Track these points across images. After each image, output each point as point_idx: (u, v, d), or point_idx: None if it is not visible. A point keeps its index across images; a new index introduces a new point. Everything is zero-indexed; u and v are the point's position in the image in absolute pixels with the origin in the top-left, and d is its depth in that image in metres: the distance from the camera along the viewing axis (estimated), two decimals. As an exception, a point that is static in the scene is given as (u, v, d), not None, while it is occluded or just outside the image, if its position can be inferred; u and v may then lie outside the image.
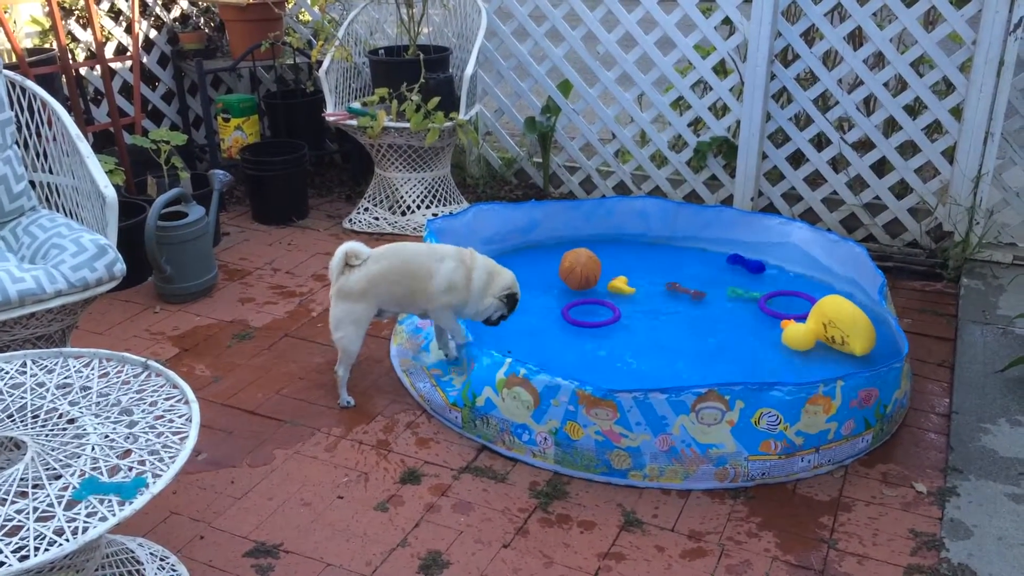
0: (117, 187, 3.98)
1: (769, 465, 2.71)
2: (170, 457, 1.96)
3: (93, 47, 4.58)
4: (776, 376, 3.15)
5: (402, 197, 4.57)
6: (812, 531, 2.52)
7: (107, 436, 2.03)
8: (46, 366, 2.29)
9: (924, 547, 2.45)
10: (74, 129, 2.87)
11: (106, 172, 3.84)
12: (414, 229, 4.52)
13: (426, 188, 4.58)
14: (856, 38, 4.30)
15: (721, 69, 4.52)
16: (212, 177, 4.09)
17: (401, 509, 2.60)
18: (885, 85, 4.17)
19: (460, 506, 2.62)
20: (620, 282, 3.77)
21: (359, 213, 4.66)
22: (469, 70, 4.45)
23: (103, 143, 4.60)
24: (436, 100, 4.27)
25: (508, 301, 3.09)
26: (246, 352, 3.45)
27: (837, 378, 2.71)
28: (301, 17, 5.34)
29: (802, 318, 3.37)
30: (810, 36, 4.31)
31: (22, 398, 2.16)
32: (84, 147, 2.84)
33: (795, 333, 3.34)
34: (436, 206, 4.61)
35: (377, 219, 4.61)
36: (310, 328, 3.60)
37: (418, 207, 4.57)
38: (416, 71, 4.35)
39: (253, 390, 3.19)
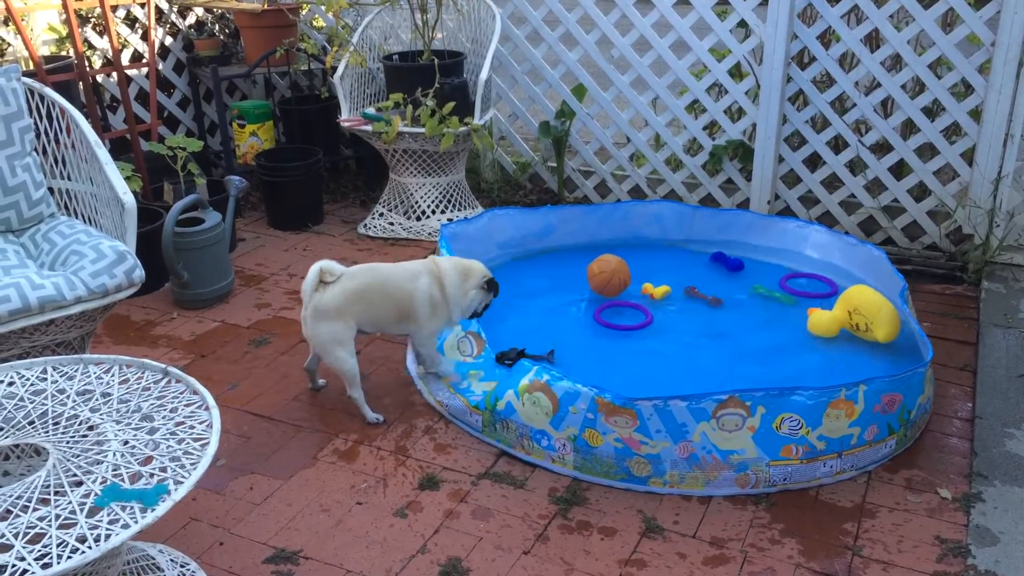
0: (134, 193, 3.99)
1: (791, 470, 2.68)
2: (191, 464, 1.95)
3: (109, 54, 4.60)
4: (811, 376, 3.17)
5: (417, 202, 4.57)
6: (836, 538, 2.50)
7: (128, 443, 2.02)
8: (66, 372, 2.29)
9: (950, 554, 2.42)
10: (92, 136, 2.88)
11: (123, 179, 3.89)
12: (429, 234, 4.52)
13: (441, 193, 4.57)
14: (873, 40, 4.27)
15: (737, 72, 4.50)
16: (228, 183, 4.10)
17: (420, 515, 2.59)
18: (903, 87, 4.14)
19: (479, 512, 2.60)
20: (651, 287, 3.77)
21: (374, 218, 4.66)
22: (483, 75, 4.45)
23: (119, 150, 4.62)
24: (451, 105, 4.26)
25: (489, 287, 3.12)
26: (263, 358, 3.45)
27: (860, 382, 2.68)
28: (315, 23, 5.35)
29: (820, 297, 3.55)
30: (827, 38, 4.28)
31: (43, 404, 2.16)
32: (103, 154, 2.85)
33: (820, 320, 3.40)
34: (451, 211, 4.60)
35: (392, 224, 4.61)
36: (327, 334, 3.60)
37: (433, 212, 4.57)
38: (430, 76, 4.35)
39: (270, 396, 3.19)
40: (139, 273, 2.70)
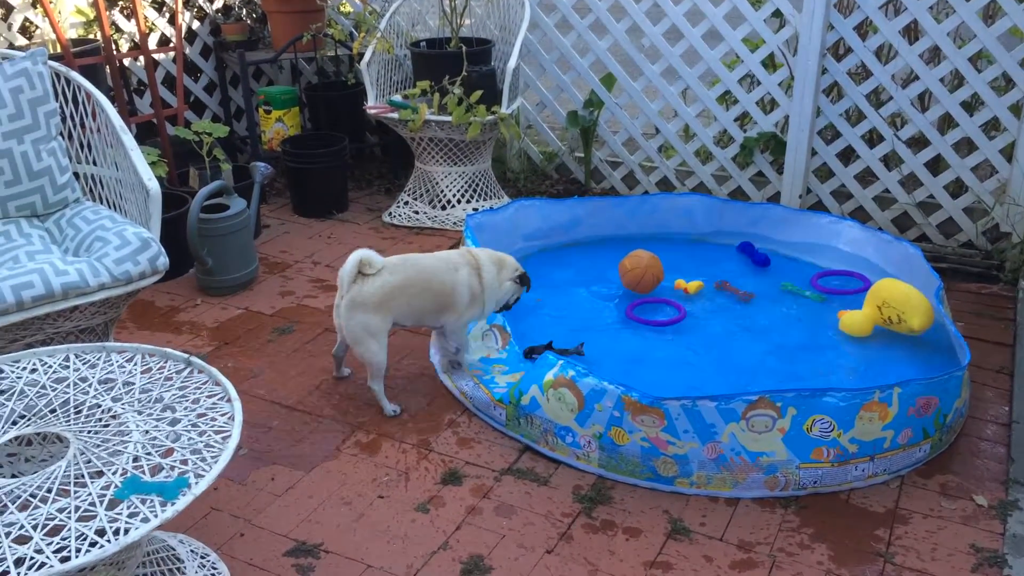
0: (160, 179, 3.99)
1: (821, 473, 2.62)
2: (212, 457, 1.92)
3: (137, 38, 4.59)
4: (845, 374, 3.12)
5: (442, 191, 4.52)
6: (867, 544, 2.44)
7: (149, 433, 2.00)
8: (89, 360, 2.27)
9: (986, 563, 2.36)
10: (118, 121, 2.86)
11: (149, 164, 3.87)
12: (454, 223, 4.47)
13: (466, 182, 4.53)
14: (912, 32, 4.17)
15: (770, 63, 4.41)
16: (253, 169, 4.07)
17: (442, 511, 2.55)
18: (941, 80, 4.03)
19: (502, 509, 2.56)
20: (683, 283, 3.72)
21: (399, 207, 4.62)
22: (512, 63, 4.39)
23: (146, 134, 4.60)
24: (478, 94, 4.21)
25: (521, 281, 3.10)
26: (286, 346, 3.42)
27: (894, 385, 2.61)
28: (343, 9, 5.31)
29: (851, 294, 3.51)
30: (864, 29, 4.19)
31: (65, 392, 2.14)
32: (128, 139, 2.82)
33: (852, 320, 3.35)
34: (476, 200, 4.55)
35: (417, 213, 4.57)
36: (350, 323, 3.57)
37: (458, 201, 4.52)
38: (458, 64, 4.29)
39: (293, 385, 3.16)
40: (163, 260, 2.68)
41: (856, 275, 3.79)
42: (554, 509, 2.56)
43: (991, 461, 2.77)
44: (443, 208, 4.53)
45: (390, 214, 4.61)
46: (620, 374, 2.91)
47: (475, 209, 4.50)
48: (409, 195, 4.63)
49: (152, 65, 4.28)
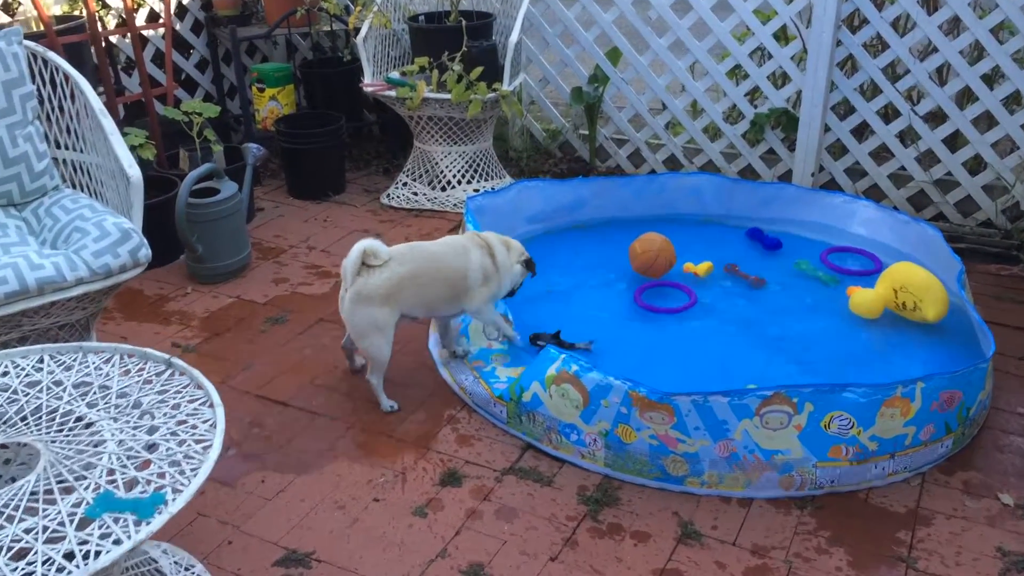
0: (148, 162, 3.84)
1: (839, 472, 2.49)
2: (192, 470, 1.79)
3: (124, 14, 4.41)
4: (861, 362, 3.00)
5: (442, 171, 4.37)
6: (888, 548, 2.31)
7: (125, 443, 1.87)
8: (64, 362, 2.14)
9: (1014, 568, 2.23)
10: (97, 103, 2.70)
11: (135, 146, 3.73)
12: (454, 205, 4.33)
13: (467, 162, 4.37)
14: (931, 2, 3.98)
15: (782, 35, 4.24)
16: (245, 151, 3.92)
17: (440, 515, 2.43)
18: (960, 52, 3.86)
19: (504, 512, 2.44)
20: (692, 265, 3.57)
21: (397, 188, 4.47)
22: (514, 37, 4.22)
23: (136, 114, 4.45)
24: (479, 70, 4.04)
25: (527, 264, 2.97)
26: (279, 337, 3.29)
27: (918, 379, 2.48)
28: (338, -19, 5.12)
29: (865, 275, 3.38)
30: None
31: (37, 398, 2.01)
32: (108, 123, 2.67)
33: (863, 300, 3.21)
34: (477, 181, 4.40)
35: (416, 194, 4.42)
36: (346, 312, 3.44)
37: (459, 182, 4.37)
38: (458, 39, 4.12)
39: (286, 379, 3.04)
40: (145, 252, 2.54)
41: (866, 253, 3.65)
42: (558, 512, 2.44)
43: (1015, 456, 2.64)
44: (443, 189, 4.38)
45: (388, 196, 4.46)
46: (628, 365, 2.81)
47: (476, 190, 4.35)
48: (408, 176, 4.48)
49: (139, 42, 4.11)
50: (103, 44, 3.98)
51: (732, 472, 2.48)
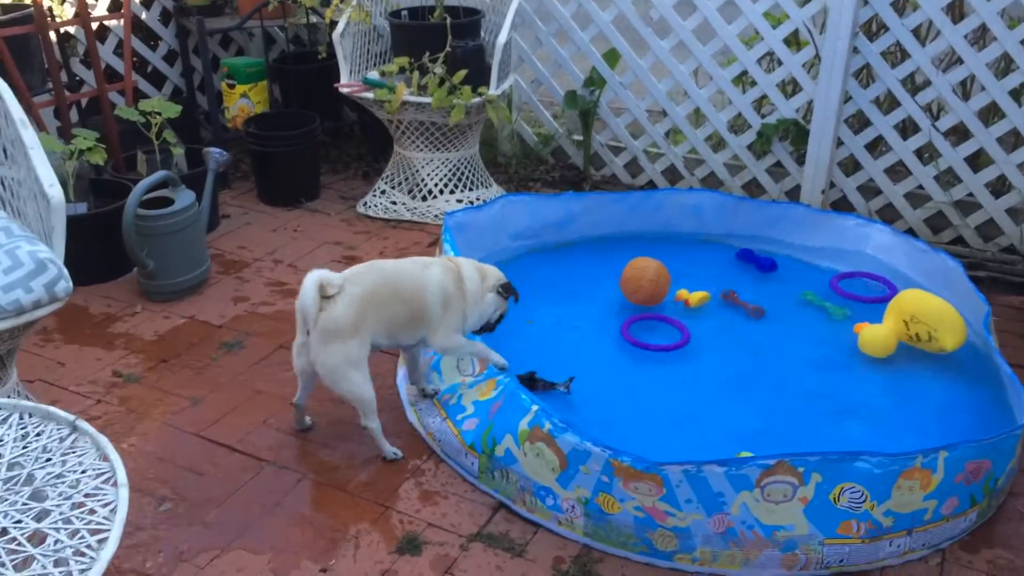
0: (100, 166, 3.53)
1: (849, 550, 2.20)
2: (81, 571, 1.49)
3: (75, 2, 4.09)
4: (873, 409, 2.73)
5: (423, 180, 4.05)
6: (904, 647, 2.02)
7: (7, 532, 1.57)
8: (-47, 421, 1.84)
9: (1048, 676, 1.94)
10: (17, 112, 2.38)
11: (85, 149, 3.41)
12: (435, 216, 4.01)
13: (450, 170, 4.05)
14: (956, 9, 3.67)
15: (794, 41, 3.93)
16: (207, 156, 3.60)
17: (395, 592, 2.14)
18: (987, 65, 3.55)
19: (467, 589, 2.15)
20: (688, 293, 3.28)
21: (375, 196, 4.16)
22: (503, 37, 3.89)
23: (96, 111, 4.13)
24: (462, 73, 3.72)
25: (505, 291, 2.67)
26: (233, 367, 2.99)
27: (940, 448, 2.18)
28: (318, -30, 4.79)
29: (875, 301, 3.14)
30: (901, 5, 3.70)
31: (-86, 469, 1.71)
32: (28, 135, 2.35)
33: (873, 337, 2.94)
34: (461, 191, 4.08)
35: (395, 203, 4.10)
36: (309, 338, 3.13)
37: (440, 192, 4.06)
38: (442, 38, 3.80)
39: (235, 418, 2.74)
40: (64, 286, 2.22)
41: (879, 278, 3.37)
42: (529, 590, 2.15)
43: (1048, 531, 2.34)
44: (423, 199, 4.07)
45: (365, 204, 4.15)
46: (611, 412, 2.57)
47: (459, 201, 4.04)
48: (387, 183, 4.17)
49: (92, 34, 3.78)
50: (50, 37, 3.65)
51: (728, 549, 2.18)
